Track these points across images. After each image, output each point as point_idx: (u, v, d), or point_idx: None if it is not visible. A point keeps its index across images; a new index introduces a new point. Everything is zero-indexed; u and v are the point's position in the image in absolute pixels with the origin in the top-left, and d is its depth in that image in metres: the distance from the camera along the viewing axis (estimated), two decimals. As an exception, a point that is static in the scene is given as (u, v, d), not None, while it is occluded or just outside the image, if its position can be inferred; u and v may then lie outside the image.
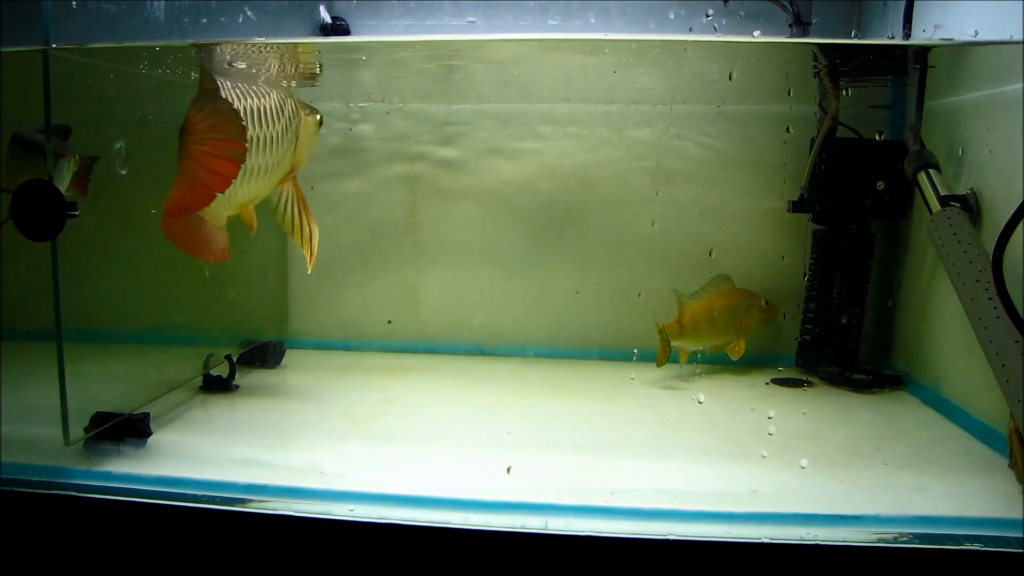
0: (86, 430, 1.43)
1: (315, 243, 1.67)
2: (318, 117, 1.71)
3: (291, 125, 1.59)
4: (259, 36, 1.62)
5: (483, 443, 1.56)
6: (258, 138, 1.51)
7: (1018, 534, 1.15)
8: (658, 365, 1.91)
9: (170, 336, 1.89)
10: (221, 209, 1.53)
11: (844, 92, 1.90)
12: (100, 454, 1.42)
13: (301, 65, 1.73)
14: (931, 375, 1.82)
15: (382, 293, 2.21)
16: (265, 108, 1.54)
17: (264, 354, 2.04)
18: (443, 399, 1.85)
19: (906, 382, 1.90)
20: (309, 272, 1.69)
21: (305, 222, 1.67)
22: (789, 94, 1.96)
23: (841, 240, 1.96)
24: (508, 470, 1.30)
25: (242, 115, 1.45)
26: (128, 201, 1.66)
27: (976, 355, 1.37)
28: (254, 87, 1.56)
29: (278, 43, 1.55)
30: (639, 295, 2.01)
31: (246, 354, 2.01)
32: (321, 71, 1.81)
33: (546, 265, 2.15)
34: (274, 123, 1.55)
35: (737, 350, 1.95)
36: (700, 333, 1.94)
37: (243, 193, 1.55)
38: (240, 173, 1.45)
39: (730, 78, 1.91)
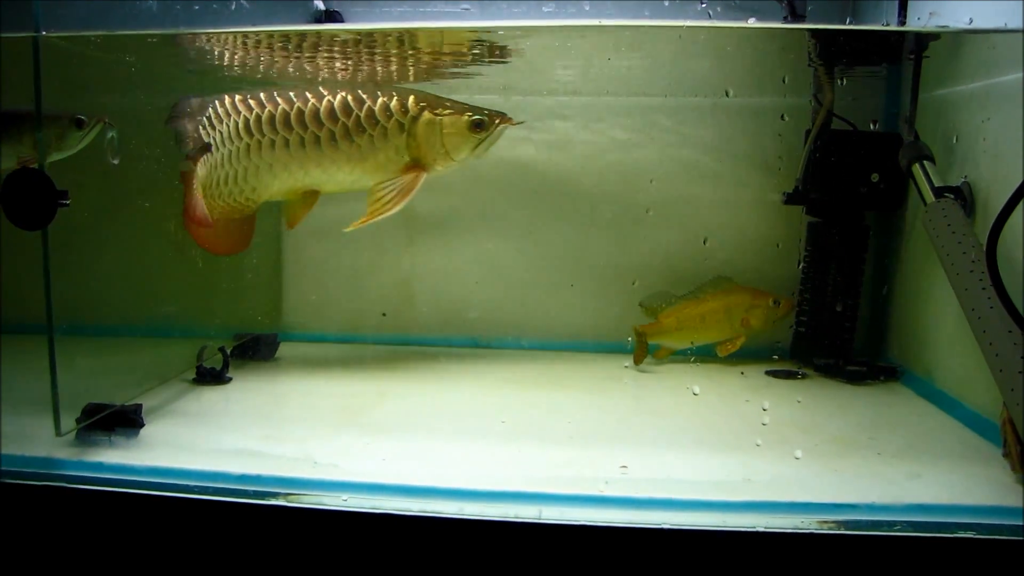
0: (78, 421, 1.42)
1: (376, 219, 1.74)
2: (472, 118, 1.75)
3: (377, 123, 1.72)
4: (252, 25, 1.61)
5: (477, 433, 1.56)
6: (286, 140, 1.72)
7: (1011, 522, 1.15)
8: (635, 363, 1.95)
9: (163, 328, 1.88)
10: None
11: (839, 82, 1.90)
12: (92, 445, 1.41)
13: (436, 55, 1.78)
14: (925, 366, 1.82)
15: (376, 285, 2.21)
16: (312, 110, 1.71)
17: (258, 346, 2.04)
18: (437, 390, 1.85)
19: (900, 373, 1.90)
20: (345, 230, 1.75)
21: (390, 204, 1.74)
22: (784, 81, 1.96)
23: (836, 232, 1.96)
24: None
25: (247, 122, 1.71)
26: (120, 192, 1.65)
27: (970, 346, 1.37)
28: (304, 93, 1.72)
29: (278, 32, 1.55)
30: (633, 283, 2.01)
31: (240, 346, 2.01)
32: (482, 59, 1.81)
33: (540, 257, 2.15)
34: (323, 125, 1.71)
35: (727, 347, 1.95)
36: (688, 333, 1.94)
37: (280, 182, 1.76)
38: (256, 168, 1.74)
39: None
